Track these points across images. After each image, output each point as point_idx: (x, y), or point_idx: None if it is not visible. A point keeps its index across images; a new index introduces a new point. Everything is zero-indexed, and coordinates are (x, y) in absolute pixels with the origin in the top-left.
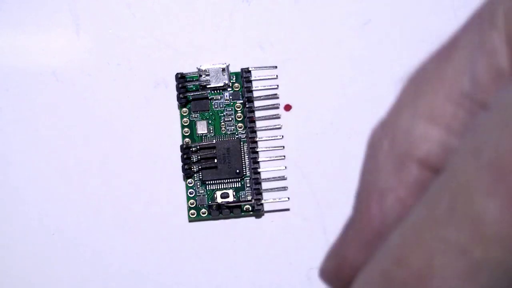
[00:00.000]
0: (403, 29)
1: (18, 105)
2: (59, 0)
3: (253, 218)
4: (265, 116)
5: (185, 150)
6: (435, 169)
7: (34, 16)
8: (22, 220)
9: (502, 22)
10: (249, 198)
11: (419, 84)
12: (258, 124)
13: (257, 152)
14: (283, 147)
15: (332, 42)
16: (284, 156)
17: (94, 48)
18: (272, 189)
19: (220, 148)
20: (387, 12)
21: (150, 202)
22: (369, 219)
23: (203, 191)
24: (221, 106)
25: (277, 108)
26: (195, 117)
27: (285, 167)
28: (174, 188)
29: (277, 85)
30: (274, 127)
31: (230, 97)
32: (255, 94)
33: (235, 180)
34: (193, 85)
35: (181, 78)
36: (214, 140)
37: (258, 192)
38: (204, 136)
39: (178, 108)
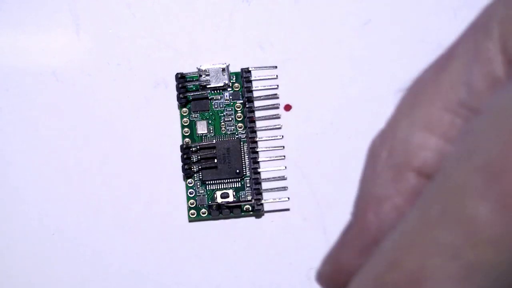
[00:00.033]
0: (403, 29)
1: (18, 105)
2: (59, 0)
3: (253, 218)
4: (265, 116)
5: (185, 150)
6: (432, 177)
7: (34, 16)
8: (22, 220)
9: (497, 32)
10: (249, 198)
11: (417, 94)
12: (258, 124)
13: (257, 152)
14: (283, 147)
15: (332, 42)
16: (284, 156)
17: (94, 48)
18: (272, 189)
19: (220, 148)
20: (387, 12)
21: (150, 202)
22: (366, 226)
23: (203, 191)
24: (221, 106)
25: (277, 108)
26: (195, 117)
27: (285, 167)
28: (174, 188)
29: (277, 85)
30: (274, 127)
31: (230, 97)
32: (255, 94)
33: (235, 180)
34: (193, 85)
35: (181, 78)
36: (214, 140)
37: (258, 192)
38: (204, 136)
39: (178, 108)
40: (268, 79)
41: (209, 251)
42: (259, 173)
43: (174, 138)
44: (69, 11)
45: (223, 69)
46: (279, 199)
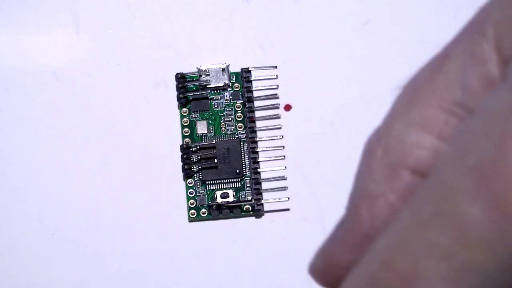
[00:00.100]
0: (403, 29)
1: (18, 105)
2: (59, 0)
3: (253, 218)
4: (265, 116)
5: (185, 150)
6: (426, 176)
7: (34, 16)
8: (22, 220)
9: (492, 33)
10: (249, 198)
11: (413, 93)
12: (258, 124)
13: (257, 152)
14: (283, 147)
15: (332, 42)
16: (284, 156)
17: (94, 48)
18: (272, 189)
19: (220, 148)
20: (387, 12)
21: (150, 202)
22: (359, 222)
23: (203, 191)
24: (221, 106)
25: (277, 108)
26: (195, 117)
27: (285, 167)
28: (174, 188)
29: (277, 85)
30: (274, 127)
31: (230, 97)
32: (255, 94)
33: (235, 180)
34: (193, 85)
35: (181, 78)
36: (214, 140)
37: (258, 192)
38: (204, 136)
39: (178, 108)
40: (268, 79)
41: (209, 251)
42: (259, 173)
43: (174, 138)
44: (69, 11)
45: (223, 69)
46: (279, 199)
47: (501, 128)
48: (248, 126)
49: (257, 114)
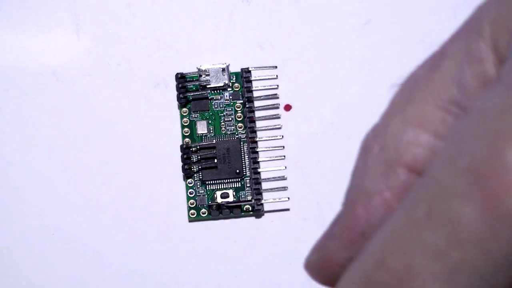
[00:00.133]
0: (403, 29)
1: (18, 105)
2: (59, 0)
3: (253, 218)
4: (265, 116)
5: (185, 150)
6: (422, 174)
7: (34, 16)
8: (22, 220)
9: (488, 31)
10: (249, 198)
11: (409, 90)
12: (258, 124)
13: (257, 152)
14: (283, 147)
15: (332, 42)
16: (284, 156)
17: (94, 48)
18: (272, 189)
19: (220, 148)
20: (387, 12)
21: (150, 202)
22: (354, 219)
23: (203, 191)
24: (221, 106)
25: (277, 108)
26: (195, 117)
27: (285, 167)
28: (174, 188)
29: (277, 85)
30: (274, 127)
31: (230, 97)
32: (255, 94)
33: (235, 180)
34: (193, 85)
35: (181, 78)
36: (214, 140)
37: (258, 192)
38: (204, 136)
39: (178, 108)
40: (268, 79)
41: (209, 251)
42: (259, 173)
43: (174, 138)
44: (69, 11)
45: (223, 69)
46: (279, 199)
47: (494, 128)
48: (248, 126)
49: (257, 114)
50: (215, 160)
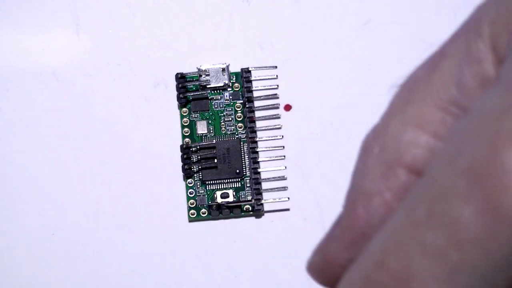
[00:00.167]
0: (403, 29)
1: (18, 105)
2: (59, 0)
3: (253, 218)
4: (265, 116)
5: (185, 150)
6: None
7: (34, 16)
8: (22, 220)
9: (487, 32)
10: (249, 198)
11: (409, 91)
12: (258, 124)
13: (257, 152)
14: (283, 147)
15: (332, 42)
16: (284, 156)
17: (94, 48)
18: (272, 189)
19: (220, 148)
20: (387, 12)
21: (150, 202)
22: (355, 220)
23: (203, 191)
24: (221, 106)
25: (277, 108)
26: (195, 117)
27: (285, 167)
28: (174, 188)
29: (277, 85)
30: (274, 127)
31: (230, 97)
32: (255, 94)
33: (235, 180)
34: (193, 85)
35: (181, 78)
36: (214, 140)
37: (258, 192)
38: (204, 136)
39: (178, 108)
40: (268, 79)
41: (209, 251)
42: (259, 173)
43: (174, 138)
44: (69, 11)
45: (223, 69)
46: (279, 199)
47: (493, 129)
48: (248, 126)
49: (257, 114)
50: (215, 160)
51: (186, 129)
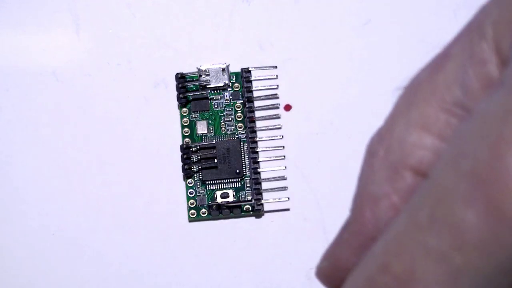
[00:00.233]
0: (403, 29)
1: (18, 105)
2: (59, 0)
3: (253, 218)
4: (265, 116)
5: (185, 150)
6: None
7: (34, 16)
8: (22, 220)
9: (491, 33)
10: (249, 198)
11: (413, 93)
12: (258, 124)
13: (257, 152)
14: (283, 147)
15: (332, 42)
16: (284, 156)
17: (94, 48)
18: (272, 189)
19: (220, 148)
20: (387, 12)
21: (150, 202)
22: (363, 224)
23: (203, 191)
24: (221, 106)
25: (277, 108)
26: (195, 117)
27: (285, 167)
28: (174, 188)
29: (277, 85)
30: (274, 127)
31: (230, 97)
32: (255, 94)
33: (235, 180)
34: (193, 85)
35: (181, 78)
36: (214, 140)
37: (258, 192)
38: (204, 136)
39: (178, 108)
40: (268, 79)
41: (209, 251)
42: (259, 173)
43: (174, 138)
44: (69, 11)
45: (223, 69)
46: (279, 199)
47: (496, 131)
48: (248, 126)
49: (257, 114)
50: (215, 160)
51: (186, 129)
